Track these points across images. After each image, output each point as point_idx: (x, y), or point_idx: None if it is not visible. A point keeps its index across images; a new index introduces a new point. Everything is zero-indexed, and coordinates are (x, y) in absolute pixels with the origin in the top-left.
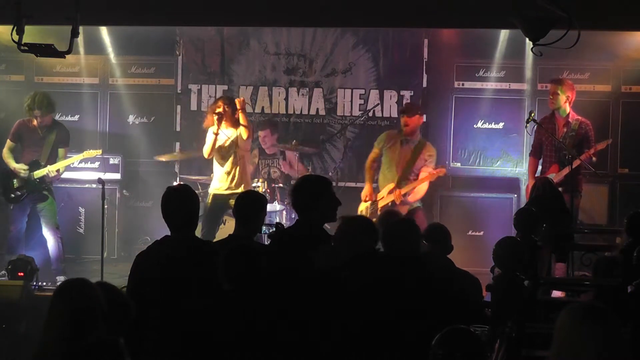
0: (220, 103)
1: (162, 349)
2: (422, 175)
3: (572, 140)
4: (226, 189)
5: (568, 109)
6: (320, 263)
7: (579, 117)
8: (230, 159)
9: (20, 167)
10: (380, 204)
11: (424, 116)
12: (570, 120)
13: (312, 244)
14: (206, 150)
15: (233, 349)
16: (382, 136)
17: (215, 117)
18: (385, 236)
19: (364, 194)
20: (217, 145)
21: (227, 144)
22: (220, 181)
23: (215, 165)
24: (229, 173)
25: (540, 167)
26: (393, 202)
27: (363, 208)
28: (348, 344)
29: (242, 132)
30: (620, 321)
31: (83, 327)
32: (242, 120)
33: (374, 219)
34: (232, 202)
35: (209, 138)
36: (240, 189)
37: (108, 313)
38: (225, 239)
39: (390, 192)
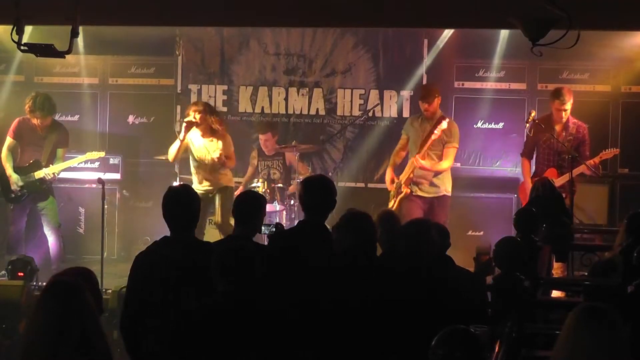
0: (195, 109)
1: (160, 349)
2: (445, 156)
3: (570, 143)
4: (202, 191)
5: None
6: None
7: (576, 121)
8: (209, 172)
9: (16, 182)
10: (402, 178)
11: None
12: (570, 124)
13: (317, 243)
14: (170, 155)
15: (231, 350)
16: (407, 121)
17: (184, 124)
18: (399, 236)
19: (387, 179)
20: (196, 156)
21: (208, 158)
22: (198, 182)
23: (192, 168)
24: (206, 179)
25: (533, 169)
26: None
27: (390, 192)
28: (348, 345)
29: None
30: (623, 321)
31: (71, 328)
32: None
33: (399, 197)
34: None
35: (175, 143)
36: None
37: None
38: (225, 239)
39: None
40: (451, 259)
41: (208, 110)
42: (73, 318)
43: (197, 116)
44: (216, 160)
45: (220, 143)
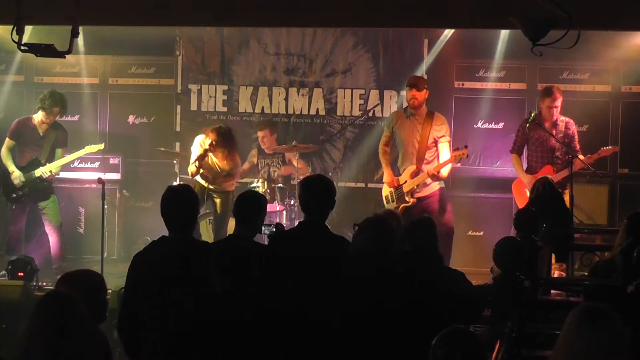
0: (213, 136)
1: (159, 350)
2: (443, 153)
3: (562, 140)
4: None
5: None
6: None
7: (564, 117)
8: (214, 177)
9: (18, 177)
10: (406, 188)
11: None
12: (558, 122)
13: (317, 244)
14: (189, 172)
15: (229, 350)
16: (391, 116)
17: (200, 152)
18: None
19: (387, 179)
20: (206, 166)
21: (216, 168)
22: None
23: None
24: (211, 183)
25: (525, 165)
26: (417, 185)
27: (387, 193)
28: (346, 345)
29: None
30: (623, 321)
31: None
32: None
33: (403, 205)
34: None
35: (192, 166)
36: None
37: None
38: (224, 239)
39: (414, 174)
40: (442, 258)
41: (220, 141)
42: (63, 333)
43: (209, 143)
44: (221, 170)
45: (229, 162)
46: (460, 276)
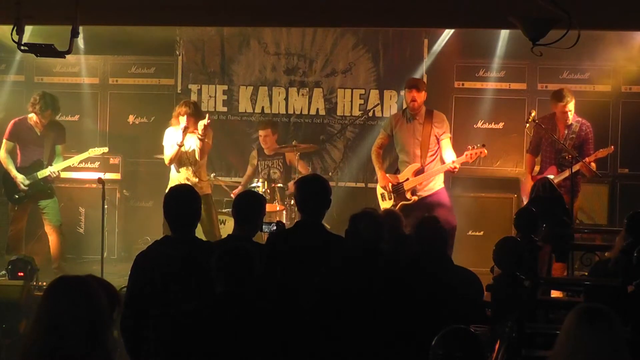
0: (185, 110)
1: (161, 349)
2: (446, 149)
3: (573, 142)
4: None
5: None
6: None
7: (580, 119)
8: (191, 168)
9: (21, 181)
10: (407, 186)
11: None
12: (573, 122)
13: (315, 242)
14: (167, 158)
15: (231, 350)
16: (389, 119)
17: (181, 129)
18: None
19: (381, 183)
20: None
21: (189, 152)
22: None
23: (174, 171)
24: (188, 180)
25: (538, 167)
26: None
27: (382, 191)
28: (345, 344)
29: (197, 149)
30: (622, 322)
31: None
32: (206, 138)
33: (402, 202)
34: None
35: (173, 148)
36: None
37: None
38: (225, 239)
39: (416, 173)
40: (450, 258)
41: (194, 113)
42: (81, 311)
43: (191, 117)
44: (200, 154)
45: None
46: (474, 281)
